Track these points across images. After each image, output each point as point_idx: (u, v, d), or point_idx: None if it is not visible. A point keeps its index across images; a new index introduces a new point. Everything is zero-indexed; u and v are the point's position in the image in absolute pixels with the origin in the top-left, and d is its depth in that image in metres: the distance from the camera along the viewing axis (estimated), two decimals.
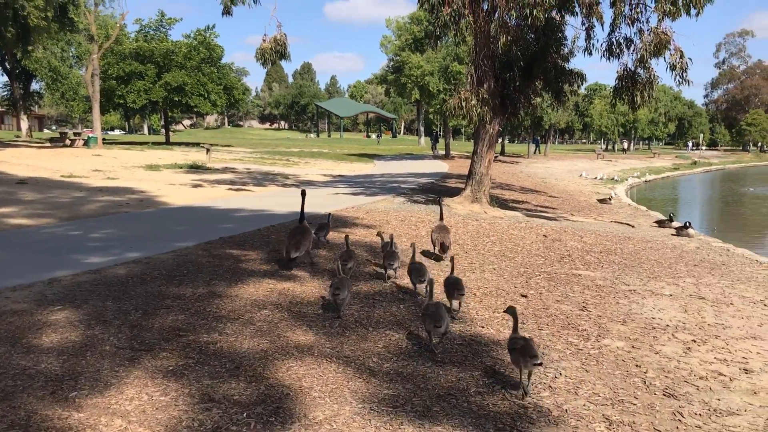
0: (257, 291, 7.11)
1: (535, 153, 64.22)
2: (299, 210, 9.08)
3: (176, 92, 46.16)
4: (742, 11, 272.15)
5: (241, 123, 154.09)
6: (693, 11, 13.60)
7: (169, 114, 56.74)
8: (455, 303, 6.81)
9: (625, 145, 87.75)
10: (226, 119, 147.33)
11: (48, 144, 39.28)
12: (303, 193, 9.33)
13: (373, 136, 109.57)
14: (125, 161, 28.00)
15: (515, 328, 5.16)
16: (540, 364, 4.84)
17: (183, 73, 46.14)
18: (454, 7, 13.67)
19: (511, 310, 5.32)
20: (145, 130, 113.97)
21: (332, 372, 5.03)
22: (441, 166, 36.32)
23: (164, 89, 45.88)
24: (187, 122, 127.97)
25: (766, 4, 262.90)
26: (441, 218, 10.18)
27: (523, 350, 4.82)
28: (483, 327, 6.46)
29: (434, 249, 9.44)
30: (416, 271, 7.26)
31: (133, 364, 4.97)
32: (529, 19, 13.71)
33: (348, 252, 8.00)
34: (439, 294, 6.99)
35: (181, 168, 26.08)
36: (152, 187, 18.82)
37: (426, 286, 6.22)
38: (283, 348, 5.47)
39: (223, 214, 13.46)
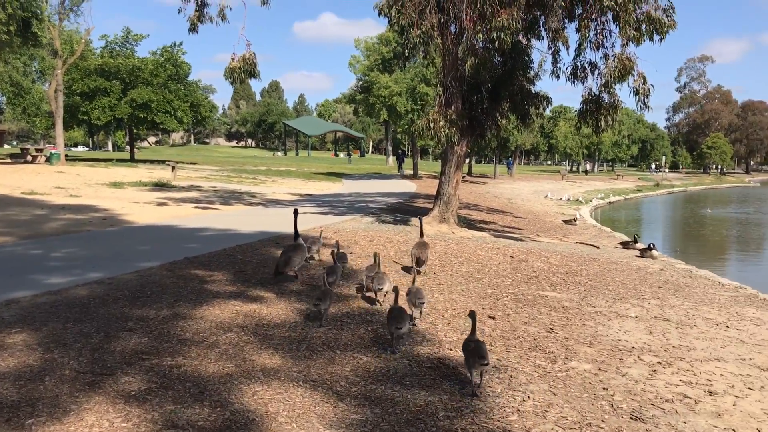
0: (222, 313, 7.00)
1: (508, 174, 65.03)
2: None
3: (142, 109, 45.68)
4: (703, 37, 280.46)
5: (207, 140, 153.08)
6: (656, 37, 13.92)
7: (135, 131, 56.10)
8: (416, 311, 7.19)
9: (588, 167, 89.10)
10: (192, 137, 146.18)
11: (8, 160, 38.51)
12: (295, 212, 9.62)
13: (341, 154, 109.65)
14: (88, 178, 27.55)
15: (473, 331, 5.63)
16: (487, 364, 5.28)
17: (149, 90, 45.71)
18: (423, 29, 13.77)
19: (471, 314, 5.79)
20: (110, 147, 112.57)
21: (299, 396, 4.95)
22: (409, 186, 36.45)
23: (130, 106, 45.37)
24: (152, 139, 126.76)
25: (726, 31, 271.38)
26: (421, 235, 10.84)
27: (473, 351, 5.32)
28: (452, 350, 6.42)
29: (412, 264, 9.71)
30: (377, 279, 7.80)
31: (93, 389, 4.83)
32: (497, 43, 13.86)
33: (334, 267, 8.34)
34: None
35: (145, 186, 25.74)
36: (116, 205, 18.51)
37: (392, 292, 6.92)
38: (248, 372, 5.37)
39: (189, 234, 13.28)
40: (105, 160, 45.52)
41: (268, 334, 6.39)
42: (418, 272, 9.68)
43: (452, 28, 14.94)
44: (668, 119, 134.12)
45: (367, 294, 8.24)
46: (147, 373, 5.20)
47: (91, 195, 21.18)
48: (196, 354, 5.70)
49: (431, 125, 14.87)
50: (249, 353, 5.82)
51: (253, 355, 5.79)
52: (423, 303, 7.16)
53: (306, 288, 8.46)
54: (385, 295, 7.87)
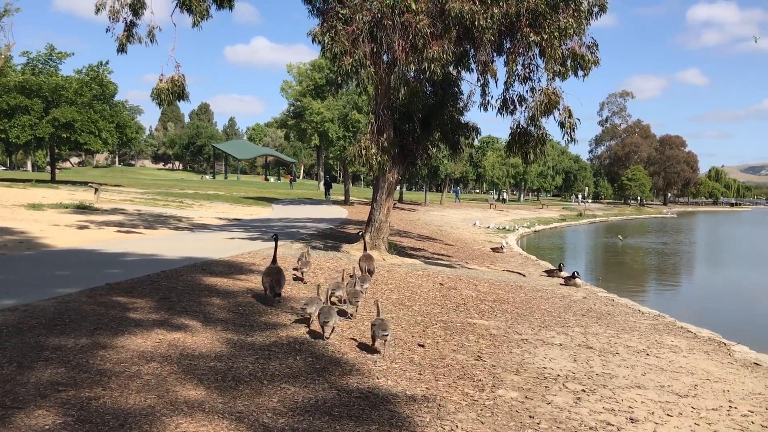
0: (145, 342, 6.75)
1: (455, 201, 65.86)
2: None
3: (65, 129, 44.12)
4: (624, 73, 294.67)
5: (133, 162, 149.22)
6: (581, 73, 14.45)
7: (56, 151, 54.17)
8: (351, 308, 8.91)
9: (505, 195, 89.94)
10: (118, 158, 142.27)
11: None
12: (276, 238, 10.64)
13: (272, 179, 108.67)
14: (5, 199, 26.35)
15: (378, 313, 7.67)
16: (387, 335, 7.02)
17: (73, 110, 44.23)
18: (356, 58, 13.86)
19: (375, 302, 8.13)
20: (29, 167, 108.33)
21: (224, 429, 4.80)
22: (340, 212, 36.40)
23: (52, 125, 43.76)
24: (75, 160, 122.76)
25: (645, 69, 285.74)
26: (365, 249, 12.58)
27: (379, 326, 7.06)
28: (379, 378, 6.40)
29: (362, 274, 11.10)
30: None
31: (3, 425, 4.55)
32: (428, 73, 14.10)
33: (338, 284, 9.49)
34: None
35: (66, 208, 24.79)
36: (34, 227, 17.73)
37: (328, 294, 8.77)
38: (172, 403, 5.19)
39: (111, 259, 12.83)
40: (23, 181, 43.71)
41: (193, 365, 6.20)
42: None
43: (385, 58, 15.10)
44: (591, 151, 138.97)
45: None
46: (63, 405, 4.95)
47: (7, 217, 20.24)
48: (116, 385, 5.47)
49: (363, 152, 14.94)
50: (172, 384, 5.63)
51: (177, 386, 5.60)
52: (358, 300, 8.89)
53: (233, 316, 8.28)
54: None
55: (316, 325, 7.75)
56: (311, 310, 7.77)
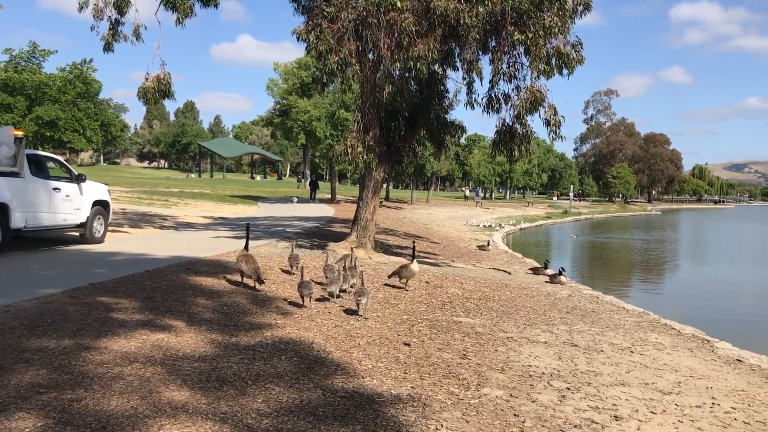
0: (128, 342, 6.70)
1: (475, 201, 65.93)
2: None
3: (48, 127, 43.86)
4: (609, 72, 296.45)
5: (118, 161, 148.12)
6: (565, 71, 14.51)
7: (40, 149, 53.70)
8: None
9: (467, 192, 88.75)
10: (102, 156, 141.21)
11: None
12: (247, 227, 11.61)
13: (258, 177, 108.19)
14: None
15: (362, 284, 9.25)
16: (361, 300, 8.78)
17: (57, 108, 43.97)
18: (341, 56, 13.84)
19: (360, 274, 9.83)
20: None
21: (208, 430, 4.77)
22: (327, 210, 36.33)
23: (35, 123, 43.48)
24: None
25: (630, 67, 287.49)
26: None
27: (359, 292, 8.85)
28: (365, 377, 6.39)
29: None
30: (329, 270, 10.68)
31: None
32: (413, 71, 14.12)
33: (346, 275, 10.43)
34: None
35: None
36: None
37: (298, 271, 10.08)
38: (155, 405, 5.15)
39: (95, 258, 12.73)
40: None
41: (177, 365, 6.16)
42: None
43: (370, 56, 15.09)
44: (576, 149, 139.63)
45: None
46: (44, 408, 4.90)
47: None
48: (98, 386, 5.43)
49: (349, 151, 14.92)
50: (156, 385, 5.59)
51: (160, 387, 5.56)
52: (334, 275, 10.13)
53: (218, 316, 8.24)
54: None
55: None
56: (309, 291, 9.06)
